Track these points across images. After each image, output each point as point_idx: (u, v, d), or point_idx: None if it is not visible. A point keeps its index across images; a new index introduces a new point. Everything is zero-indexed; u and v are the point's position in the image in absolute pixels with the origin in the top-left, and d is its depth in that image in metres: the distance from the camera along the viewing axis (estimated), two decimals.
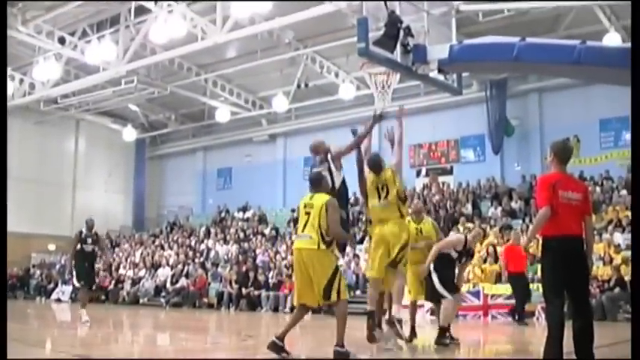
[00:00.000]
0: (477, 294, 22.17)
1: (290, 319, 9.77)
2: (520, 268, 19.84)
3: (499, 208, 28.90)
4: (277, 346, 9.31)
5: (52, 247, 42.96)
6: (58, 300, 35.36)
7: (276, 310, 26.41)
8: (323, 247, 9.24)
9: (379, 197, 11.05)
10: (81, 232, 17.38)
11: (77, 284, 17.70)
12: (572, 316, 7.95)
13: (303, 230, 9.46)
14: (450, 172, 34.86)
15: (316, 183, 9.82)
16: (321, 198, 9.47)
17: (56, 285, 37.41)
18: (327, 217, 9.27)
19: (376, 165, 11.30)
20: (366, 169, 11.38)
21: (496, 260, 23.41)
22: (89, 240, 17.31)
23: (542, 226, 7.95)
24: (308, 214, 9.43)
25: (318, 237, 9.25)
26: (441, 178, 34.63)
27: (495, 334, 17.82)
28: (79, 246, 17.18)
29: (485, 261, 23.85)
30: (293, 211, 36.38)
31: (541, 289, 9.08)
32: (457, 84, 24.40)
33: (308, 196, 9.66)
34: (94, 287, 19.28)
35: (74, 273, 17.57)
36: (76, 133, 46.13)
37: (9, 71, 36.24)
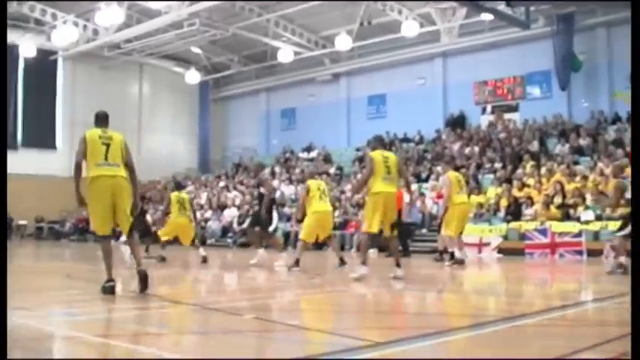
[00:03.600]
0: (544, 232, 21.86)
1: None
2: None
3: (566, 145, 28.41)
4: None
5: None
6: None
7: (342, 248, 26.43)
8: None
9: None
10: None
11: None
12: None
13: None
14: (516, 109, 34.44)
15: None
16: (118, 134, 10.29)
17: None
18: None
19: None
20: None
21: (563, 197, 23.09)
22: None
23: None
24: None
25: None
26: (506, 115, 34.28)
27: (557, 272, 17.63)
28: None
29: (552, 199, 23.49)
30: (358, 150, 36.40)
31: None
32: (525, 17, 23.88)
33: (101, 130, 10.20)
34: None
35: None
36: (139, 78, 46.50)
37: (73, 18, 36.56)
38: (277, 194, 32.12)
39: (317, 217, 15.36)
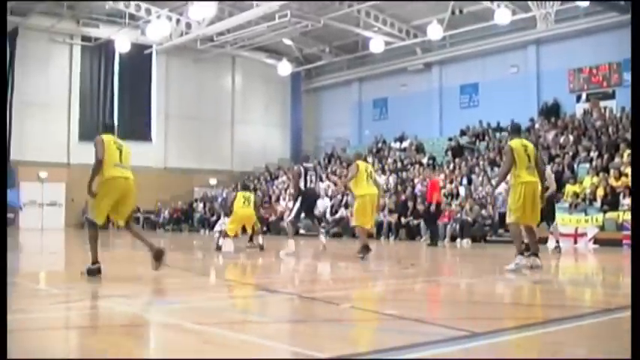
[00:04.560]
0: None
1: None
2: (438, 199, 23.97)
3: None
4: None
5: (213, 181, 44.14)
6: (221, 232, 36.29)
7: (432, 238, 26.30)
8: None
9: None
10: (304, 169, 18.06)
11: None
12: None
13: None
14: (612, 96, 33.76)
15: None
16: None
17: (219, 217, 38.35)
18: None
19: None
20: None
21: None
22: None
23: None
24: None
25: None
26: (602, 103, 33.58)
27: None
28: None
29: None
30: (450, 140, 36.15)
31: None
32: (624, 0, 23.24)
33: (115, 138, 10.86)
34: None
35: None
36: (232, 70, 46.99)
37: (166, 12, 37.14)
38: None
39: (365, 200, 15.22)
